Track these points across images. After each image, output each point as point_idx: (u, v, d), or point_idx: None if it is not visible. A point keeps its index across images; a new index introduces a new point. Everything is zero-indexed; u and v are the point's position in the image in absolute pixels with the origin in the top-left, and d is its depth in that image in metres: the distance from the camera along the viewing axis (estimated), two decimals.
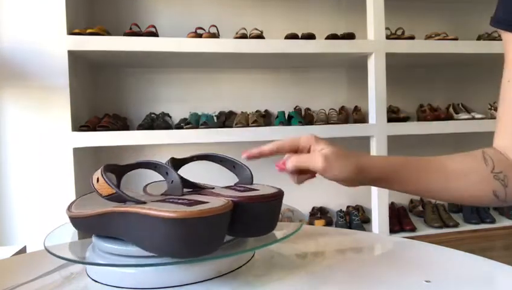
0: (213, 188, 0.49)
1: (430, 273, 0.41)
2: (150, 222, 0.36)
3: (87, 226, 0.44)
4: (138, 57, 1.64)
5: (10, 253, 1.02)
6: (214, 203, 0.38)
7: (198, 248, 0.37)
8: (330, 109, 1.96)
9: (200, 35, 1.62)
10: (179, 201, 0.40)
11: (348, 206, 2.06)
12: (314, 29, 1.84)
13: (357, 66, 2.02)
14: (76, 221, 0.45)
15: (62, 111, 1.47)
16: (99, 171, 0.42)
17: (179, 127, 1.70)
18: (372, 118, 1.72)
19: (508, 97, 0.54)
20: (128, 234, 0.39)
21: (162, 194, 0.48)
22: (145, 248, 0.38)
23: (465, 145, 2.26)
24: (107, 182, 0.40)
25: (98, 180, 0.41)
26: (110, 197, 0.41)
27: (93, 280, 0.42)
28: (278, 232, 0.47)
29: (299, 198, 2.16)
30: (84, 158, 1.62)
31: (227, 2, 1.98)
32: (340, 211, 1.95)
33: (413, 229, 1.80)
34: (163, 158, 2.00)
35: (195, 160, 0.53)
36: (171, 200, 0.41)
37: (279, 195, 0.44)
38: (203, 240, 0.37)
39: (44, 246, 0.43)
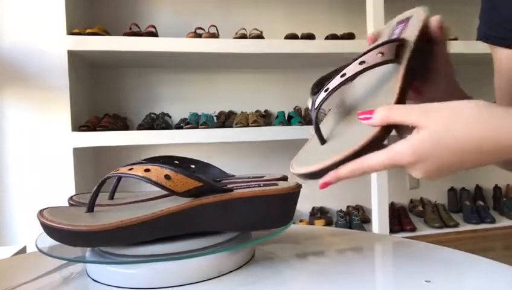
0: (220, 180, 0.52)
1: (430, 273, 0.41)
2: (259, 201, 0.42)
3: (130, 234, 0.39)
4: (138, 57, 1.64)
5: (10, 253, 1.02)
6: (284, 183, 0.46)
7: (289, 217, 0.46)
8: (330, 109, 1.96)
9: (199, 35, 1.62)
10: (251, 185, 0.45)
11: (348, 206, 2.06)
12: (314, 29, 1.84)
13: None
14: (109, 233, 0.38)
15: (62, 111, 1.47)
16: (163, 169, 0.40)
17: (179, 127, 1.70)
18: None
19: (499, 103, 0.59)
20: (221, 222, 0.42)
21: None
22: (241, 229, 0.44)
23: None
24: (191, 177, 0.41)
25: (167, 177, 0.40)
26: (192, 192, 0.41)
27: (93, 279, 0.42)
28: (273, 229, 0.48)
29: (299, 198, 2.16)
30: (84, 158, 1.62)
31: (227, 2, 1.98)
32: (340, 211, 1.95)
33: (413, 229, 1.80)
34: None
35: (145, 163, 0.52)
36: (239, 186, 0.45)
37: (287, 177, 0.53)
38: (292, 211, 0.46)
39: (37, 247, 0.43)
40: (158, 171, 0.40)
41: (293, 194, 0.44)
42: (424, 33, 0.45)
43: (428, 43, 0.47)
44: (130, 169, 0.41)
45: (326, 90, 0.42)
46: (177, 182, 0.40)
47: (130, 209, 0.44)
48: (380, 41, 0.45)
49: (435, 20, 0.45)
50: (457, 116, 0.35)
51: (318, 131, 0.43)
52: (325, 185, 0.39)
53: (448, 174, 0.38)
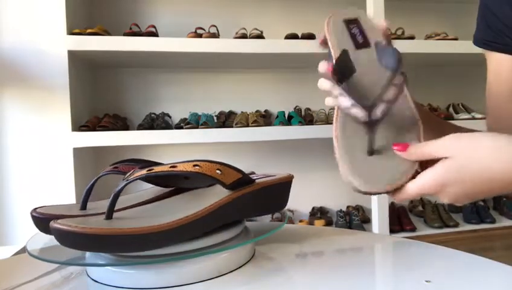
0: None
1: (430, 273, 0.41)
2: (278, 187, 0.51)
3: (176, 234, 0.40)
4: (138, 57, 1.64)
5: (10, 253, 1.02)
6: (281, 174, 0.53)
7: (287, 201, 0.53)
8: (330, 109, 1.96)
9: (200, 35, 1.62)
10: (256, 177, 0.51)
11: (348, 206, 2.06)
12: (314, 29, 1.84)
13: None
14: (155, 235, 0.38)
15: (62, 111, 1.47)
16: (213, 164, 0.44)
17: (179, 127, 1.70)
18: None
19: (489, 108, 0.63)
20: (250, 209, 0.48)
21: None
22: (260, 213, 0.50)
23: None
24: (235, 169, 0.45)
25: (219, 171, 0.44)
26: (235, 183, 0.45)
27: (93, 280, 0.42)
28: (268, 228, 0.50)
29: (299, 198, 2.16)
30: (84, 158, 1.62)
31: (227, 2, 1.98)
32: (340, 211, 1.95)
33: (413, 229, 1.80)
34: (162, 159, 1.98)
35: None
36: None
37: (253, 173, 0.59)
38: (288, 196, 0.53)
39: (27, 251, 0.42)
40: (209, 166, 0.43)
41: (291, 181, 0.53)
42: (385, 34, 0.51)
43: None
44: (173, 167, 0.42)
45: (387, 101, 0.43)
46: (227, 174, 0.44)
47: (148, 214, 0.43)
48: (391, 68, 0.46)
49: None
50: (478, 146, 0.38)
51: (372, 143, 0.43)
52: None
53: (472, 200, 0.41)
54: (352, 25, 0.52)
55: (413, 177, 0.41)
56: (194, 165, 0.42)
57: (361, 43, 0.50)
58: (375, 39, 0.50)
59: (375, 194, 0.42)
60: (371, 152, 0.43)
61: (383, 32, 0.50)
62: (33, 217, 0.46)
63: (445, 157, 0.39)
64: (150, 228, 0.37)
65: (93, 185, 0.49)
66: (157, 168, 0.42)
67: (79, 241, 0.36)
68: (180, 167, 0.42)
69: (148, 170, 0.42)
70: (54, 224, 0.37)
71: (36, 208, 0.47)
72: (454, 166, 0.38)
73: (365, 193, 0.41)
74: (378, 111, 0.42)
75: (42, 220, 0.45)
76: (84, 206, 0.48)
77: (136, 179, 0.41)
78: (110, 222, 0.39)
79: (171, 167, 0.42)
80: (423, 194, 0.41)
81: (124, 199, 0.52)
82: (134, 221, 0.40)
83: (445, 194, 0.40)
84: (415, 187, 0.40)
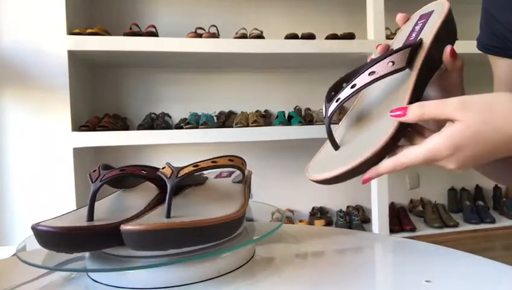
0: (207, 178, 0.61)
1: (430, 273, 0.41)
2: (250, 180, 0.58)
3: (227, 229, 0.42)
4: (138, 57, 1.64)
5: (10, 253, 1.02)
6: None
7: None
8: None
9: (200, 35, 1.62)
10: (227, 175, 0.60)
11: (348, 206, 2.06)
12: (314, 29, 1.84)
13: (357, 66, 2.02)
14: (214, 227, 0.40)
15: (62, 111, 1.47)
16: (238, 159, 0.51)
17: (179, 127, 1.70)
18: None
19: None
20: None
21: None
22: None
23: None
24: (243, 160, 0.54)
25: (242, 164, 0.52)
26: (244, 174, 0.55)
27: (93, 280, 0.42)
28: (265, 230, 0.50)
29: (299, 198, 2.16)
30: (84, 158, 1.62)
31: (227, 2, 1.98)
32: (340, 211, 1.95)
33: (413, 229, 1.80)
34: (162, 158, 1.97)
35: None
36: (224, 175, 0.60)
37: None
38: None
39: (18, 257, 0.42)
40: (238, 160, 0.51)
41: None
42: (443, 32, 0.45)
43: (448, 39, 0.46)
44: (214, 162, 0.47)
45: (337, 101, 0.42)
46: (244, 167, 0.53)
47: (187, 212, 0.43)
48: (391, 49, 0.44)
49: (447, 48, 0.44)
50: (494, 108, 0.36)
51: (331, 138, 0.43)
52: (367, 181, 0.40)
53: (481, 162, 0.38)
54: (422, 19, 0.49)
55: (364, 166, 0.38)
56: (229, 160, 0.49)
57: (411, 40, 0.46)
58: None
59: (317, 182, 0.41)
60: (335, 146, 0.43)
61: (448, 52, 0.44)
62: (39, 231, 0.40)
63: (456, 121, 0.36)
64: (229, 216, 0.41)
65: (96, 192, 0.46)
66: (202, 164, 0.46)
67: (171, 239, 0.37)
68: (221, 162, 0.48)
69: (194, 166, 0.45)
70: (128, 227, 0.37)
71: (40, 222, 0.41)
72: (470, 131, 0.36)
73: (325, 181, 0.41)
74: (330, 109, 0.42)
75: (49, 234, 0.40)
76: (91, 218, 0.43)
77: (186, 176, 0.43)
78: (171, 220, 0.39)
79: (212, 162, 0.47)
80: (431, 159, 0.37)
81: (119, 200, 0.51)
82: (189, 218, 0.39)
83: (455, 159, 0.36)
84: (425, 150, 0.37)
